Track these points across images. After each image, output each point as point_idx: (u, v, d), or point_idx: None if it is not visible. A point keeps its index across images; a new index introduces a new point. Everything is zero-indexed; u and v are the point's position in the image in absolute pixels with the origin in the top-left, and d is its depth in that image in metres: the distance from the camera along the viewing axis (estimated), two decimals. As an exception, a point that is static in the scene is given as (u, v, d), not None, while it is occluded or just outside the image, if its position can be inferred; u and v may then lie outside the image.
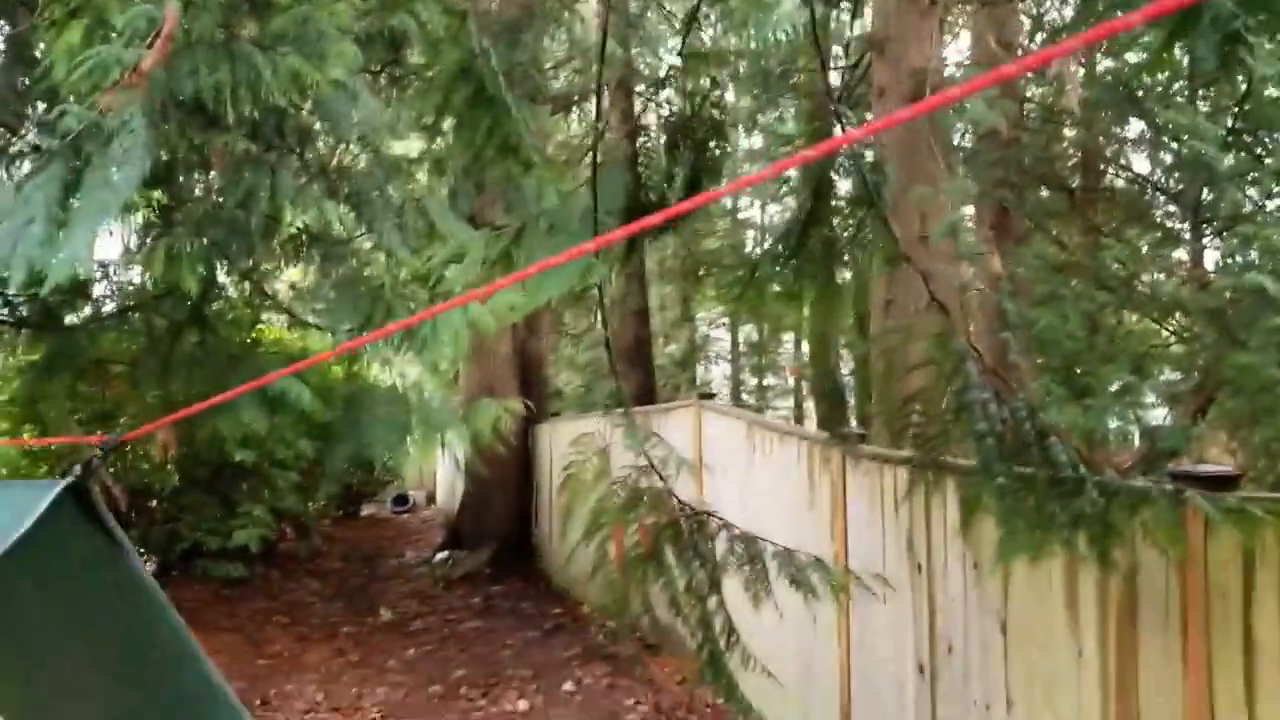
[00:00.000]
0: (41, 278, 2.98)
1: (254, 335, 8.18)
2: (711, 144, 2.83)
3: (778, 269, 3.15)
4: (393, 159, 7.71)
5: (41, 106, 6.49)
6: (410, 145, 10.39)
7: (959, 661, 4.59)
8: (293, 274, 9.41)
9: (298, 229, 7.26)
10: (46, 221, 3.06)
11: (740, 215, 24.33)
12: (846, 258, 3.14)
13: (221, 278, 6.49)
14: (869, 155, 2.89)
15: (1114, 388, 11.21)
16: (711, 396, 7.94)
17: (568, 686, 7.38)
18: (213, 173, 5.97)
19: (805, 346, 25.51)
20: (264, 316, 8.47)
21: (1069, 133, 12.83)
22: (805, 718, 5.84)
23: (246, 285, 7.09)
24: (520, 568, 12.16)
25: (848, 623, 5.55)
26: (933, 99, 0.94)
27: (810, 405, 21.36)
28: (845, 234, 3.13)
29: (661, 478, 2.80)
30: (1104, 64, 11.87)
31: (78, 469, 1.30)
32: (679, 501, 2.77)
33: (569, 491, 3.05)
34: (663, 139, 2.93)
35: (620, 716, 6.70)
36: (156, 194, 4.77)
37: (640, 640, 8.61)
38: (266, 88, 5.17)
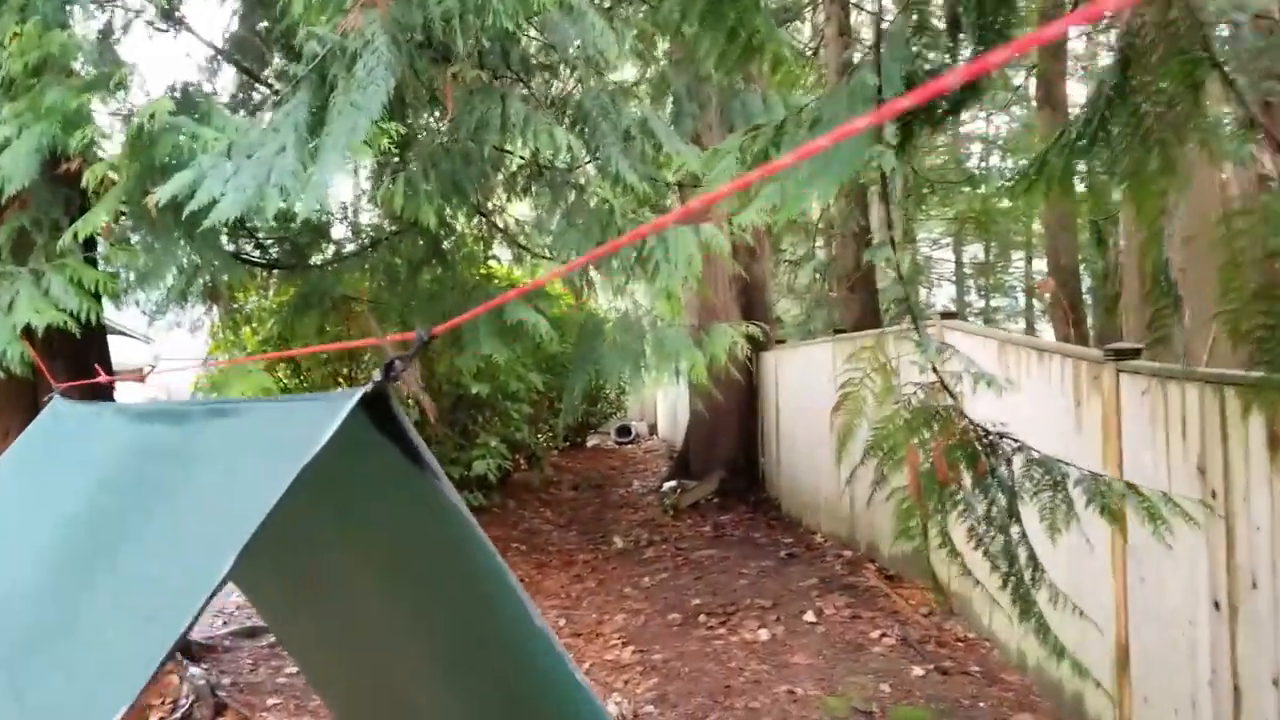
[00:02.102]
0: (294, 207, 2.97)
1: (486, 270, 8.28)
2: (999, 13, 2.46)
3: (1074, 157, 2.75)
4: (616, 83, 7.56)
5: (279, 54, 6.68)
6: (626, 72, 10.22)
7: (1265, 597, 4.09)
8: (519, 208, 9.49)
9: (523, 160, 7.25)
10: (297, 149, 3.04)
11: (964, 129, 23.07)
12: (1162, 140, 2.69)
13: (451, 213, 6.53)
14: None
15: None
16: (954, 315, 7.45)
17: (808, 617, 7.20)
18: (444, 107, 5.98)
19: (1039, 263, 24.08)
20: (494, 251, 8.57)
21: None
22: (1075, 653, 5.42)
23: (478, 219, 7.14)
24: (748, 497, 12.05)
25: (1124, 554, 5.09)
26: None
27: (1045, 326, 20.12)
28: (1158, 110, 2.68)
29: (952, 395, 2.50)
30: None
31: (377, 373, 1.16)
32: (971, 422, 2.47)
33: (845, 411, 2.79)
34: (941, 15, 2.57)
35: (866, 649, 6.47)
36: (393, 126, 4.77)
37: (880, 571, 8.33)
38: (494, 13, 5.09)
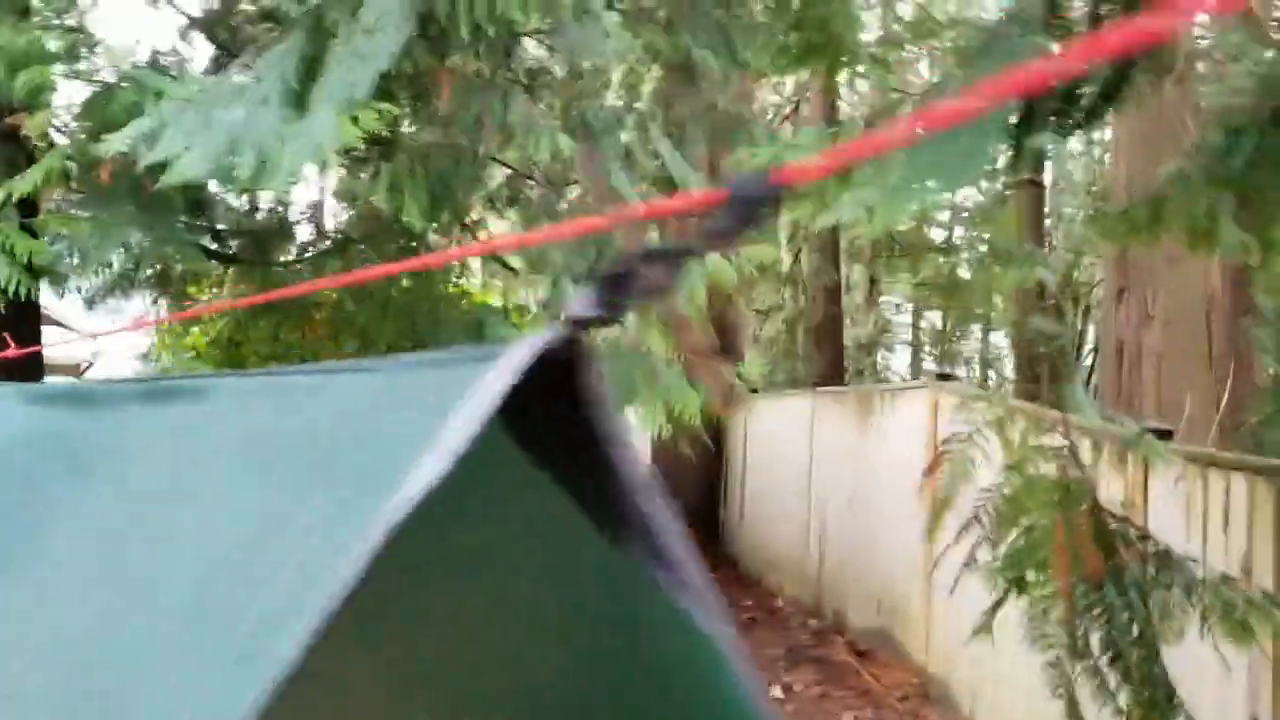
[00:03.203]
0: (273, 169, 2.45)
1: (458, 287, 7.74)
2: None
3: (1200, 193, 2.32)
4: (622, 102, 7.14)
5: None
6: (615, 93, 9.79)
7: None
8: (496, 224, 8.98)
9: (512, 170, 6.78)
10: (282, 102, 2.53)
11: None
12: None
13: (437, 217, 6.02)
14: None
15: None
16: (950, 377, 7.05)
17: (775, 692, 6.66)
18: (436, 100, 5.50)
19: (995, 336, 24.05)
20: (469, 266, 8.04)
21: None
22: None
23: (458, 230, 6.62)
24: (707, 551, 11.51)
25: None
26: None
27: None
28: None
29: (1080, 467, 2.03)
30: None
31: (580, 303, 0.58)
32: (1099, 503, 2.01)
33: (946, 474, 2.30)
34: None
35: (840, 731, 5.96)
36: (387, 107, 4.27)
37: (850, 645, 7.83)
38: (505, 1, 4.64)
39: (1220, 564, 4.17)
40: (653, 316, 5.36)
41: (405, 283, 5.92)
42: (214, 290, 8.17)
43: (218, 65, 6.52)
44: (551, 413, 0.59)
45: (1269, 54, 2.29)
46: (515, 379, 0.51)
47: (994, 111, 1.95)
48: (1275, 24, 9.31)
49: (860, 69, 3.16)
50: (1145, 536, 2.05)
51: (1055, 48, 1.81)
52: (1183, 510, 4.53)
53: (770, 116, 16.19)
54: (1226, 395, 8.43)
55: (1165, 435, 4.91)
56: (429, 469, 0.47)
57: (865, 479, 7.91)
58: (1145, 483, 4.81)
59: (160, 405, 0.82)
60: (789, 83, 18.32)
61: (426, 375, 0.61)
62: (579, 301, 0.56)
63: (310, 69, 2.65)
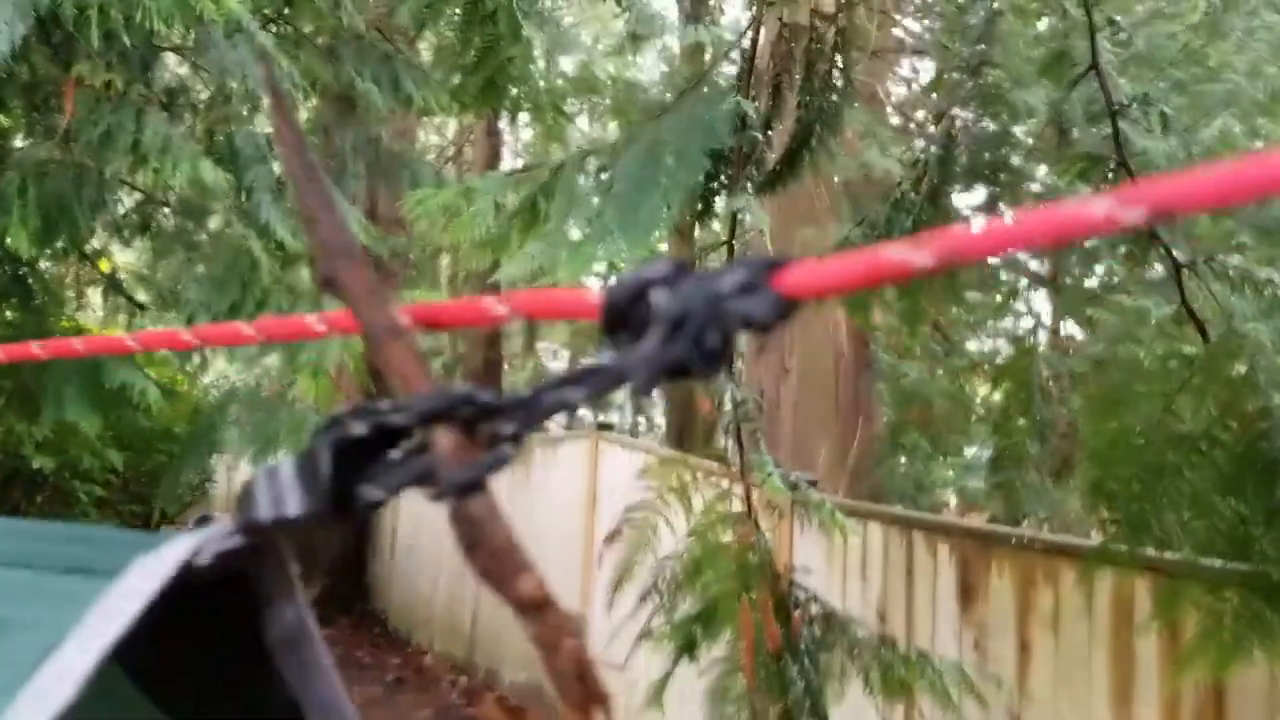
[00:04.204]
0: None
1: (73, 321, 6.88)
2: (833, 79, 2.10)
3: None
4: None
5: None
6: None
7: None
8: (123, 255, 8.12)
9: (144, 193, 6.15)
10: None
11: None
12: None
13: (52, 243, 5.30)
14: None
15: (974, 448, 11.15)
16: (609, 427, 7.16)
17: (425, 754, 6.38)
18: (57, 112, 4.86)
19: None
20: (86, 299, 7.19)
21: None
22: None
23: (77, 258, 5.88)
24: (353, 608, 10.93)
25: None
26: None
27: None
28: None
29: (758, 527, 2.02)
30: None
31: (261, 499, 0.38)
32: (777, 572, 2.00)
33: (629, 544, 2.19)
34: (769, 65, 2.16)
35: (494, 795, 5.77)
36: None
37: (502, 701, 7.68)
38: (145, 10, 4.23)
39: (857, 609, 4.46)
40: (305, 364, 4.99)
41: (10, 315, 5.15)
42: None
43: None
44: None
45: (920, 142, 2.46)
46: (145, 603, 0.34)
47: (677, 174, 1.93)
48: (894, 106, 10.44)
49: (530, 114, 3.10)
50: (815, 599, 2.09)
51: (748, 109, 1.82)
52: (824, 557, 4.81)
53: (432, 157, 15.93)
54: (855, 444, 9.13)
55: (812, 484, 5.23)
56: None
57: (525, 527, 7.84)
58: (791, 531, 5.07)
59: None
60: (451, 124, 18.22)
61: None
62: (267, 486, 0.37)
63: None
